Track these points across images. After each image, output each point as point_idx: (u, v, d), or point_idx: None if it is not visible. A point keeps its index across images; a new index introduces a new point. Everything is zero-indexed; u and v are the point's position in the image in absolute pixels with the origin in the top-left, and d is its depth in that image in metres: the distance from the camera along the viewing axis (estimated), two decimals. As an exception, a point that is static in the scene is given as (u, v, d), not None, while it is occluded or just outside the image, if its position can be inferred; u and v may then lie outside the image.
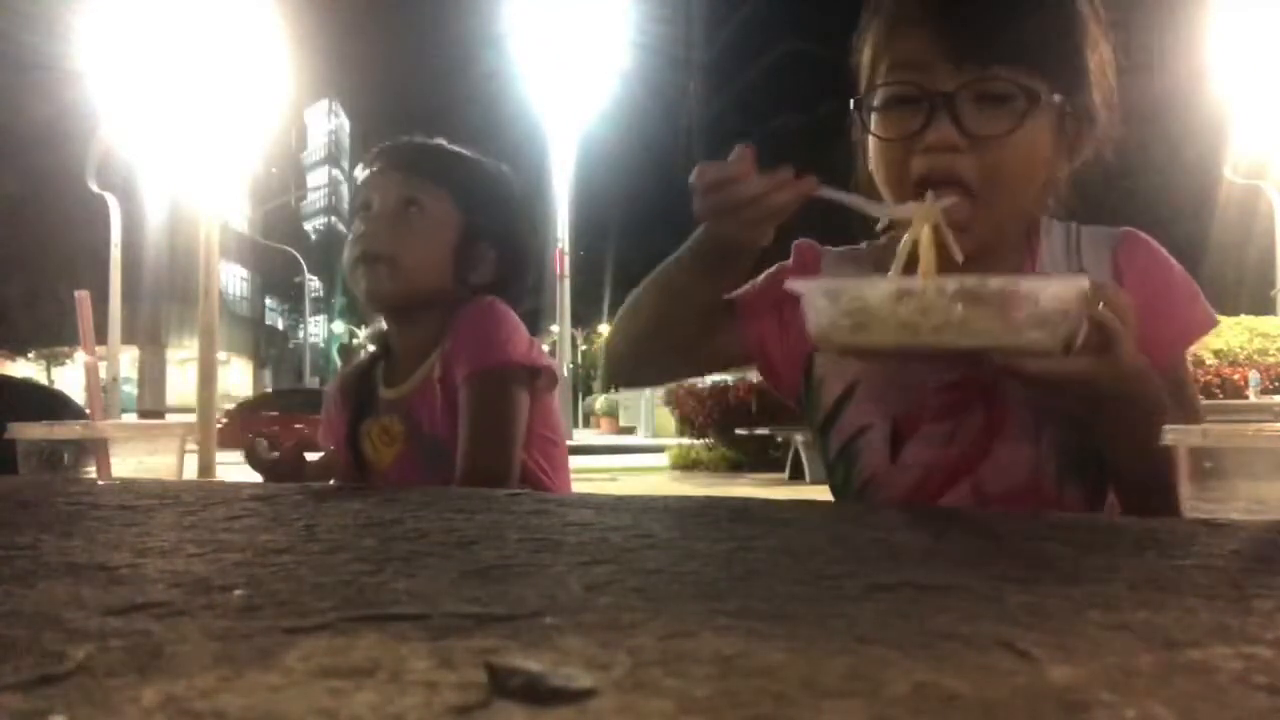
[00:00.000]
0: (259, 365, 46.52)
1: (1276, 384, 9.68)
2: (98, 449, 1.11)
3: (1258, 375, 9.36)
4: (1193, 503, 0.75)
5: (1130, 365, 0.85)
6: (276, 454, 1.30)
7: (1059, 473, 1.00)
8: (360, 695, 0.28)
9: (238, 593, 0.44)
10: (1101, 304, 0.83)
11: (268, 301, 49.98)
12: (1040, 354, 0.81)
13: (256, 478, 1.28)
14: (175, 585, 0.46)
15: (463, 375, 1.40)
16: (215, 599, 0.43)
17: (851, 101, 1.04)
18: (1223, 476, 0.74)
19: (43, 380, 22.43)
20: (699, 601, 0.42)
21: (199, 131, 8.60)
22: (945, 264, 0.89)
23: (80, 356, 1.25)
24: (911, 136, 0.96)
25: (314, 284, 45.63)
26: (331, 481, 1.32)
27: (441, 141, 1.57)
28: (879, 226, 0.99)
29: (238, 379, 41.12)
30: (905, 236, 0.92)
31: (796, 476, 9.53)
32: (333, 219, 56.69)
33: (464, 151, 1.57)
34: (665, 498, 0.81)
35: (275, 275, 45.31)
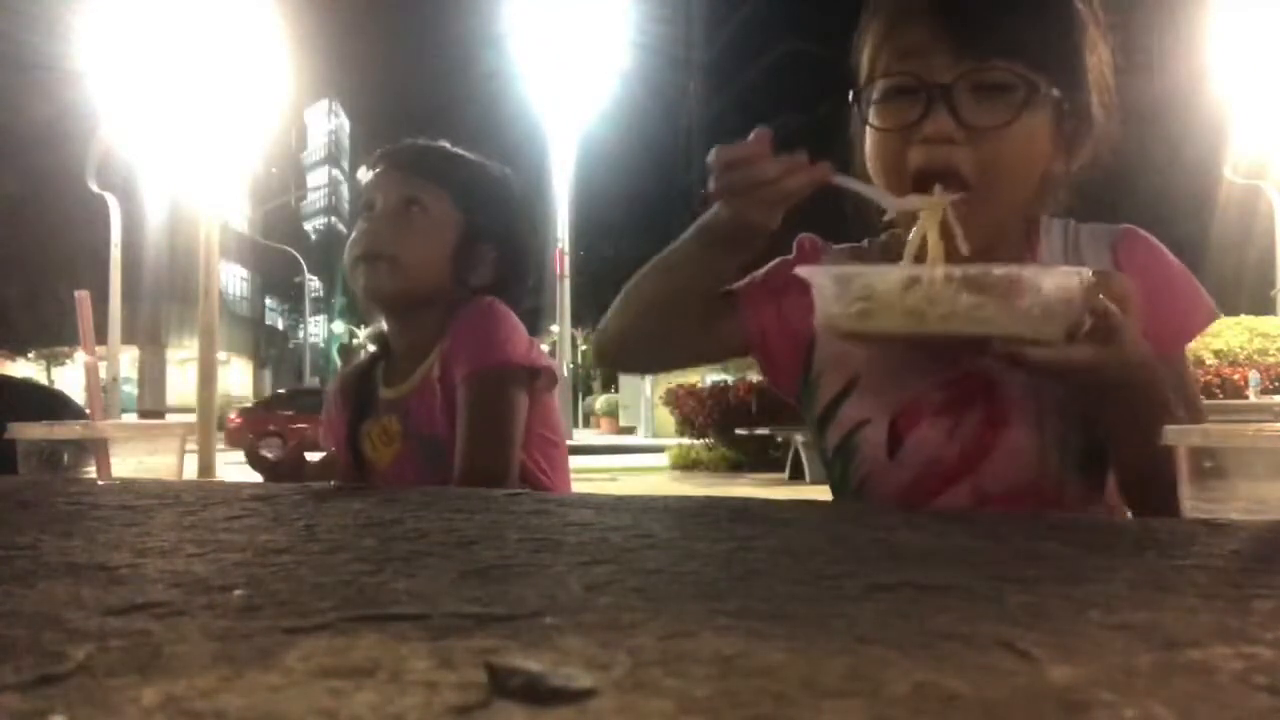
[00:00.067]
0: (259, 365, 46.50)
1: (1276, 384, 9.68)
2: (98, 449, 1.11)
3: (1258, 375, 9.37)
4: (1193, 503, 0.75)
5: (1134, 354, 0.86)
6: (277, 454, 1.30)
7: (1060, 469, 1.00)
8: (360, 695, 0.28)
9: (238, 593, 0.44)
10: (1106, 293, 0.84)
11: (268, 301, 49.96)
12: (1043, 342, 0.83)
13: (257, 477, 1.29)
14: (175, 585, 0.46)
15: (461, 375, 1.40)
16: (215, 599, 0.43)
17: (850, 93, 1.04)
18: (1223, 476, 0.74)
19: (43, 380, 22.41)
20: (699, 601, 0.42)
21: (199, 131, 8.60)
22: (952, 257, 0.91)
23: (80, 356, 1.25)
24: (909, 127, 0.97)
25: (314, 284, 45.64)
26: (332, 482, 1.32)
27: (444, 144, 1.58)
28: (886, 218, 0.99)
29: (238, 379, 41.12)
30: (914, 230, 0.93)
31: (796, 476, 9.54)
32: (333, 219, 56.73)
33: (466, 153, 1.57)
34: (665, 498, 0.81)
35: (275, 275, 45.31)
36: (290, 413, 18.57)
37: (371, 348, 1.61)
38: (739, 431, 11.18)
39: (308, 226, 56.63)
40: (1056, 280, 0.83)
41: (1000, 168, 0.97)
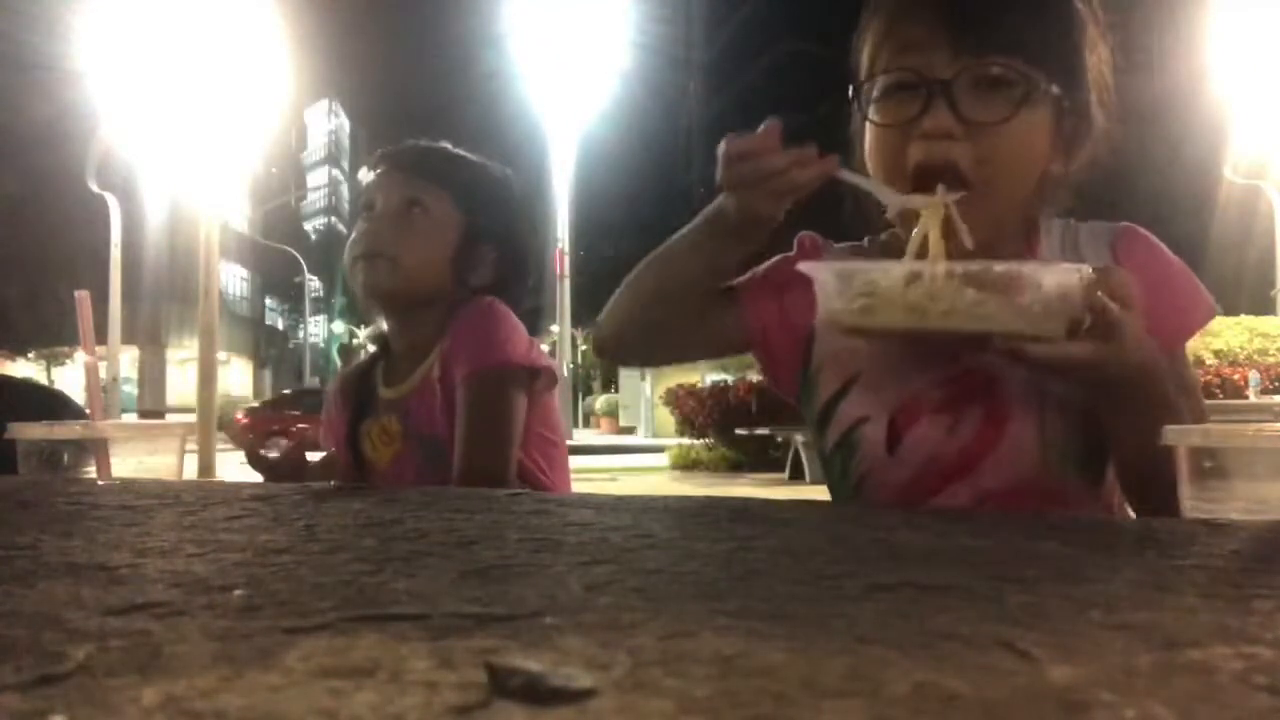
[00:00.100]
0: (259, 365, 46.50)
1: (1276, 384, 9.69)
2: (98, 449, 1.11)
3: (1258, 375, 9.37)
4: (1193, 503, 0.75)
5: (1136, 351, 0.86)
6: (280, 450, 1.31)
7: (1060, 466, 1.00)
8: (360, 695, 0.28)
9: (238, 593, 0.44)
10: (1106, 289, 0.85)
11: (268, 301, 49.95)
12: (1044, 338, 0.83)
13: (258, 477, 1.29)
14: (175, 585, 0.46)
15: (461, 375, 1.40)
16: (215, 599, 0.43)
17: (850, 88, 1.04)
18: (1223, 476, 0.74)
19: (43, 380, 22.42)
20: (699, 601, 0.42)
21: (199, 131, 8.61)
22: (955, 255, 0.91)
23: (80, 356, 1.25)
24: (909, 123, 0.97)
25: (314, 284, 45.63)
26: (332, 482, 1.32)
27: (445, 145, 1.58)
28: (889, 215, 0.99)
29: (238, 379, 41.12)
30: (916, 229, 0.93)
31: (796, 476, 9.54)
32: (333, 219, 56.69)
33: (467, 155, 1.58)
34: (665, 498, 0.81)
35: (275, 275, 45.31)
36: (297, 412, 18.62)
37: (371, 348, 1.61)
38: (739, 431, 11.17)
39: (308, 226, 56.61)
40: (1057, 277, 0.84)
41: (999, 164, 0.97)
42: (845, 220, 1.11)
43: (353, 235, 1.51)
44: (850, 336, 0.96)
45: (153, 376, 31.41)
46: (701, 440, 12.11)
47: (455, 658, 0.32)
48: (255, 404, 23.01)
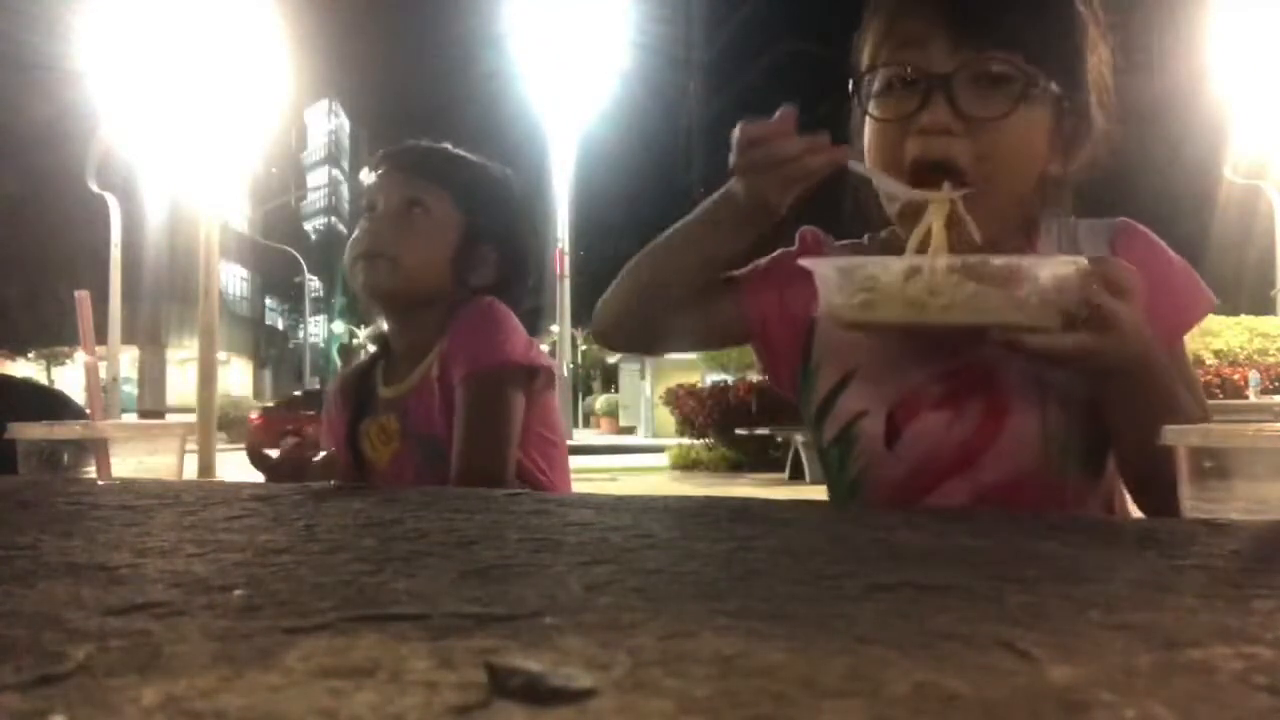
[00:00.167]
0: (259, 365, 46.49)
1: (1276, 384, 9.69)
2: (98, 449, 1.11)
3: (1258, 375, 9.37)
4: (1193, 503, 0.75)
5: (1135, 342, 0.86)
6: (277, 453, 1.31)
7: (1061, 460, 1.00)
8: (360, 695, 0.28)
9: (238, 593, 0.44)
10: (1103, 280, 0.85)
11: (268, 301, 49.95)
12: (1041, 330, 0.84)
13: (258, 477, 1.29)
14: (175, 585, 0.46)
15: (460, 375, 1.40)
16: (215, 599, 0.43)
17: (850, 83, 1.04)
18: (1223, 476, 0.74)
19: (43, 380, 22.41)
20: (699, 601, 0.42)
21: (199, 131, 8.61)
22: (961, 250, 0.91)
23: (80, 356, 1.25)
24: (907, 118, 0.97)
25: (314, 284, 45.63)
26: (332, 482, 1.32)
27: (446, 145, 1.58)
28: (897, 207, 0.99)
29: (238, 379, 41.11)
30: (918, 225, 0.93)
31: (796, 476, 9.53)
32: (333, 219, 56.69)
33: (468, 155, 1.58)
34: (665, 498, 0.81)
35: (275, 275, 45.30)
36: (311, 413, 18.73)
37: (371, 348, 1.61)
38: (739, 431, 11.17)
39: (308, 226, 56.59)
40: (1053, 269, 0.84)
41: (997, 159, 0.97)
42: (845, 218, 1.11)
43: (354, 235, 1.52)
44: (851, 331, 0.96)
45: (153, 376, 31.42)
46: (701, 440, 12.10)
47: (455, 658, 0.32)
48: (270, 404, 23.27)
